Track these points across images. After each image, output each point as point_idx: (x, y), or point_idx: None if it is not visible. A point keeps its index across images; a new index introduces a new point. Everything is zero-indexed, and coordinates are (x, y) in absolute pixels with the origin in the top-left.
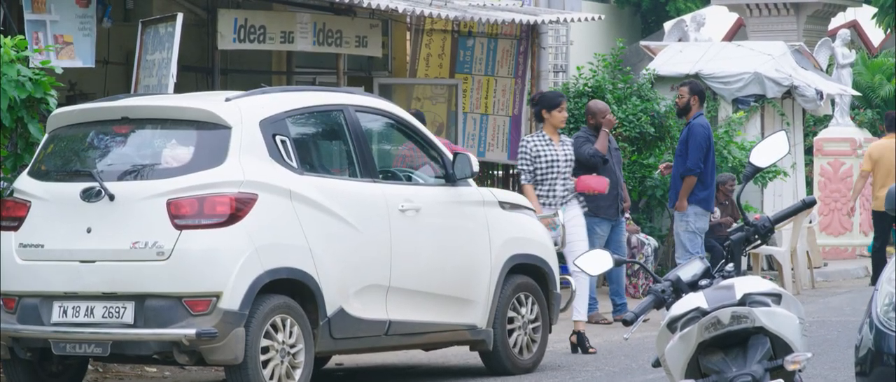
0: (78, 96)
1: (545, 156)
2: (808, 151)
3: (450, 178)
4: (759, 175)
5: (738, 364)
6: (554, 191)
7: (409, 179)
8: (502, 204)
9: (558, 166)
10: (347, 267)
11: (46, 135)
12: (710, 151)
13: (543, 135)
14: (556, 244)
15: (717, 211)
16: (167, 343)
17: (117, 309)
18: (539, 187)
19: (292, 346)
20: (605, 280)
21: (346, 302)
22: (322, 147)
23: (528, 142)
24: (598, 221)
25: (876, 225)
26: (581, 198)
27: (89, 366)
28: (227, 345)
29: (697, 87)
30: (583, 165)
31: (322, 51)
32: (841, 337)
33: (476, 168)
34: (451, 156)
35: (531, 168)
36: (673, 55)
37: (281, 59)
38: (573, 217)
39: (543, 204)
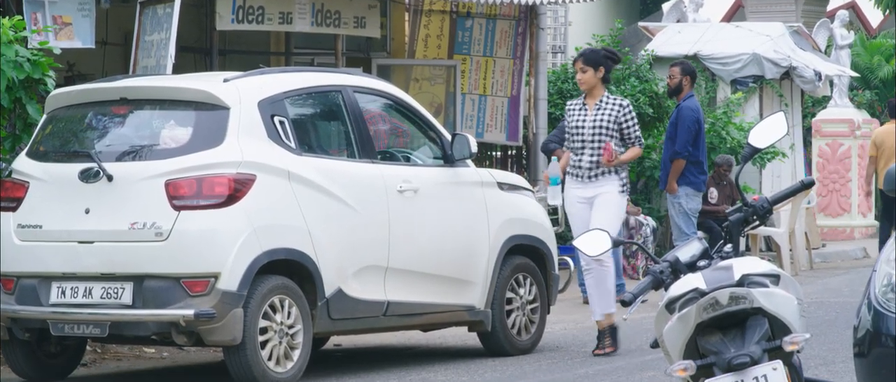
0: (76, 77)
1: (570, 122)
2: (807, 132)
3: (448, 159)
4: (757, 156)
5: (737, 345)
6: (580, 163)
7: (407, 160)
8: (501, 185)
9: (582, 134)
10: (345, 247)
11: (45, 116)
12: (701, 133)
13: (581, 99)
14: (555, 225)
15: (715, 193)
16: (165, 323)
17: (115, 290)
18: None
19: (290, 327)
20: None
21: (345, 283)
22: (320, 127)
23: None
24: None
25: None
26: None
27: (87, 347)
28: (226, 326)
29: (689, 68)
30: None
31: (320, 31)
32: (839, 318)
33: (474, 149)
34: (449, 137)
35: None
36: (671, 36)
37: (279, 40)
38: (600, 195)
39: (573, 175)
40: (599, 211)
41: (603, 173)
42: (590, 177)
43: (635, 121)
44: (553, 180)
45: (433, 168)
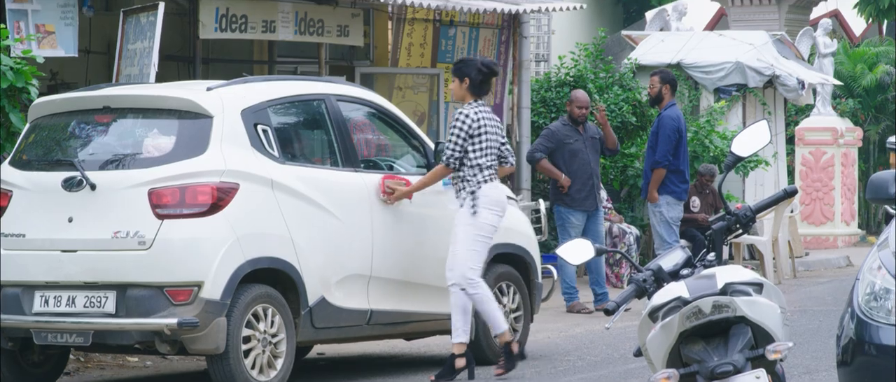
0: (60, 85)
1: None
2: (790, 141)
3: (431, 167)
4: (740, 164)
5: (720, 354)
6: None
7: (390, 168)
8: None
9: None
10: (329, 256)
11: (28, 125)
12: (682, 142)
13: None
14: (538, 233)
15: (697, 202)
16: (149, 332)
17: (99, 299)
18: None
19: (274, 336)
20: (586, 269)
21: (328, 292)
22: (303, 136)
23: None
24: (572, 211)
25: None
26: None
27: (71, 356)
28: (209, 335)
29: (668, 76)
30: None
31: (304, 40)
32: (822, 327)
33: None
34: (432, 146)
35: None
36: (654, 44)
37: (262, 49)
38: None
39: None
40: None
41: (458, 192)
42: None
43: (452, 135)
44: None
45: (416, 176)
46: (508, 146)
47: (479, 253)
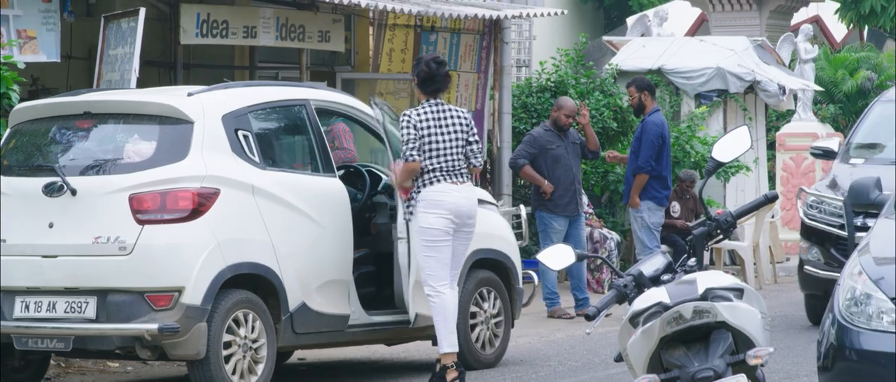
0: (40, 91)
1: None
2: (771, 146)
3: None
4: (721, 170)
5: (700, 359)
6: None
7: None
8: None
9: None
10: (309, 261)
11: (8, 130)
12: (665, 148)
13: None
14: (519, 239)
15: (677, 208)
16: (129, 338)
17: (79, 304)
18: None
19: (254, 341)
20: (567, 275)
21: (309, 297)
22: (284, 141)
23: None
24: (554, 217)
25: None
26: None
27: (51, 361)
28: (190, 340)
29: (644, 83)
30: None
31: (285, 45)
32: (803, 332)
33: None
34: None
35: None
36: (635, 50)
37: (243, 54)
38: None
39: None
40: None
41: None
42: None
43: (402, 133)
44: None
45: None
46: (475, 147)
47: (431, 257)
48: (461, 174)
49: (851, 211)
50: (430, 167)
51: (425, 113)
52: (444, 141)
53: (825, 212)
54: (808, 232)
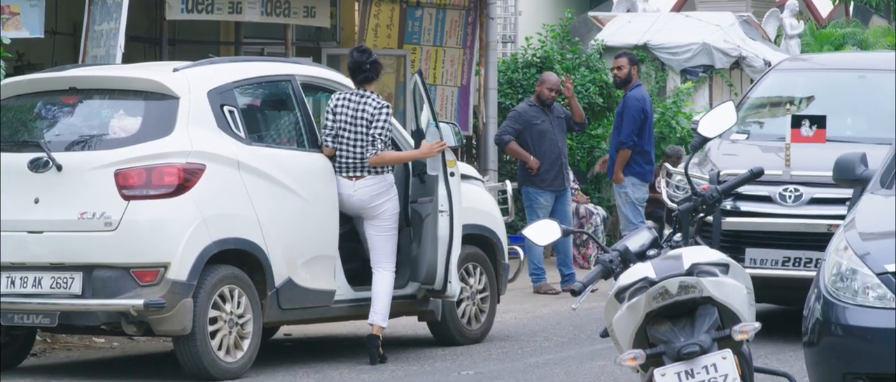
0: (26, 67)
1: None
2: None
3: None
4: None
5: (686, 334)
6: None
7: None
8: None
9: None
10: (295, 237)
11: None
12: (647, 123)
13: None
14: (505, 214)
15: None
16: (115, 313)
17: (65, 280)
18: None
19: (240, 316)
20: (553, 250)
21: (295, 273)
22: (270, 117)
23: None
24: (540, 192)
25: None
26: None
27: (37, 337)
28: (175, 316)
29: (635, 57)
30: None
31: (270, 21)
32: (789, 307)
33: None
34: (399, 128)
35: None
36: (621, 26)
37: (229, 30)
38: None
39: None
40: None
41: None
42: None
43: (323, 118)
44: None
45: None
46: (375, 133)
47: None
48: (360, 168)
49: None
50: (336, 158)
51: (344, 101)
52: (351, 132)
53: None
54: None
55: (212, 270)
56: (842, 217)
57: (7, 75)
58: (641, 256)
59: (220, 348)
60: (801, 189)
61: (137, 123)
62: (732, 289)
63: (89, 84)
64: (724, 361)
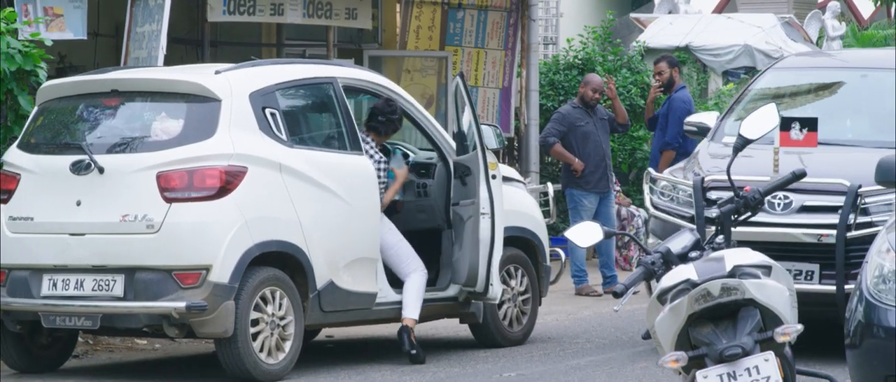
0: (68, 68)
1: None
2: None
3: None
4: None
5: (728, 336)
6: None
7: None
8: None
9: None
10: (337, 239)
11: (36, 108)
12: None
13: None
14: (546, 216)
15: None
16: (157, 316)
17: (107, 282)
18: None
19: (282, 318)
20: (595, 252)
21: (336, 275)
22: (312, 119)
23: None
24: (585, 194)
25: None
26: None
27: (79, 338)
28: (217, 318)
29: (675, 60)
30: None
31: (312, 23)
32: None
33: (496, 144)
34: (441, 129)
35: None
36: (663, 27)
37: (271, 32)
38: None
39: None
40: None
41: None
42: None
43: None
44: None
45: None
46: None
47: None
48: None
49: (701, 197)
50: None
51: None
52: None
53: (677, 201)
54: (657, 224)
55: (253, 272)
56: (834, 226)
57: (49, 77)
58: (683, 258)
59: (261, 350)
60: (791, 196)
61: (179, 126)
62: (775, 291)
63: (131, 86)
64: (767, 363)
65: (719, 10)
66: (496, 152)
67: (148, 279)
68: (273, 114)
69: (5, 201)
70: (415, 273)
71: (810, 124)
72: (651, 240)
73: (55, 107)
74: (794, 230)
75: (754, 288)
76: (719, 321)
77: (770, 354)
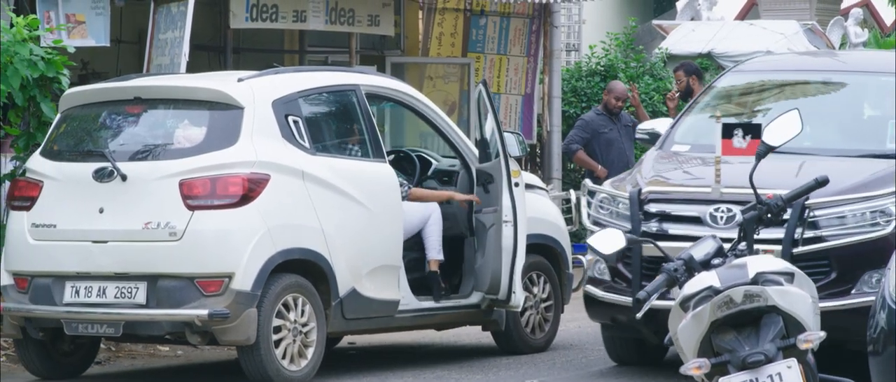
0: (90, 75)
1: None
2: None
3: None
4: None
5: (751, 343)
6: None
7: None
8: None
9: None
10: (360, 247)
11: (59, 115)
12: None
13: None
14: (569, 223)
15: None
16: (179, 323)
17: (129, 290)
18: None
19: (304, 325)
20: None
21: (359, 283)
22: (334, 126)
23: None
24: None
25: None
26: None
27: (102, 345)
28: (240, 326)
29: (692, 67)
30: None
31: (334, 30)
32: None
33: (518, 151)
34: (464, 136)
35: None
36: (685, 34)
37: (293, 38)
38: None
39: None
40: None
41: None
42: None
43: None
44: None
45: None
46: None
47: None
48: None
49: (638, 210)
50: None
51: None
52: None
53: (616, 216)
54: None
55: (276, 279)
56: (779, 241)
57: (72, 84)
58: (706, 265)
59: (284, 356)
60: (734, 209)
61: (202, 133)
62: (797, 298)
63: (154, 94)
64: (790, 370)
65: (742, 16)
66: (519, 159)
67: (170, 286)
68: (296, 122)
69: (28, 208)
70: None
71: (754, 131)
72: (590, 255)
73: (78, 115)
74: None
75: (777, 295)
76: (742, 328)
77: (793, 361)
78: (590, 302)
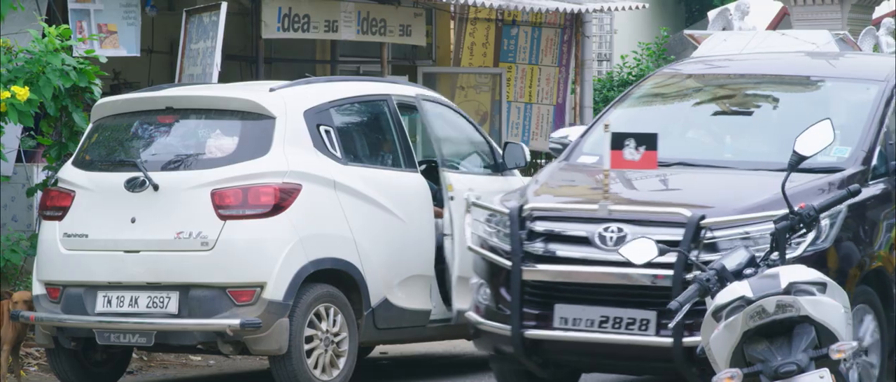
0: (122, 85)
1: None
2: None
3: (498, 168)
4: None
5: (783, 353)
6: None
7: (454, 168)
8: None
9: None
10: (391, 257)
11: (91, 125)
12: None
13: None
14: None
15: None
16: (211, 333)
17: (161, 299)
18: None
19: (336, 335)
20: None
21: (391, 293)
22: (366, 136)
23: None
24: None
25: None
26: None
27: (133, 355)
28: (272, 336)
29: None
30: None
31: (366, 40)
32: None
33: (527, 158)
34: (494, 147)
35: None
36: (717, 44)
37: (325, 48)
38: None
39: None
40: None
41: None
42: None
43: None
44: None
45: (481, 176)
46: None
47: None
48: None
49: (518, 229)
50: None
51: None
52: None
53: (502, 235)
54: (478, 262)
55: (308, 289)
56: (671, 265)
57: (104, 94)
58: (738, 275)
59: (315, 366)
60: (625, 228)
61: (234, 143)
62: (830, 308)
63: (186, 104)
64: (822, 380)
65: (773, 26)
66: (521, 169)
67: (202, 296)
68: (327, 132)
69: (60, 218)
70: None
71: (649, 142)
72: (475, 279)
73: (110, 125)
74: (625, 269)
75: (809, 305)
76: (774, 338)
77: (825, 371)
78: (473, 330)
